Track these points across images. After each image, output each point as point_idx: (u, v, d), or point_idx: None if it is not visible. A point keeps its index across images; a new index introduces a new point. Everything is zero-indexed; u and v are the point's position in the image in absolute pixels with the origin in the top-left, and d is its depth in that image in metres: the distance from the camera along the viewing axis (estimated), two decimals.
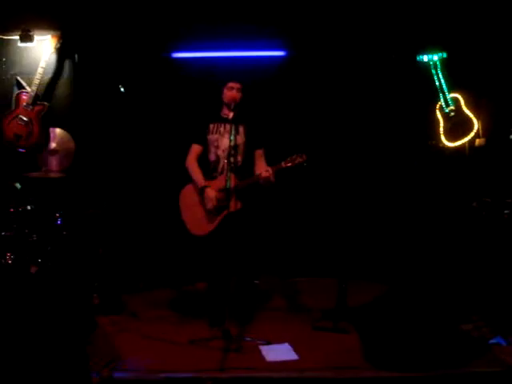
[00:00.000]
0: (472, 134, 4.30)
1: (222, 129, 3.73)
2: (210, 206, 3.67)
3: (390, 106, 4.72)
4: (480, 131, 4.33)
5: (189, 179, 3.83)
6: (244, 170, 3.70)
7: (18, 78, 4.58)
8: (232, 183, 3.53)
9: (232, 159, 3.54)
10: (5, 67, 4.65)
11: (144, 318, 3.92)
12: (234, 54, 4.63)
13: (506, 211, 3.88)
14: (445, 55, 4.38)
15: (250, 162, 3.76)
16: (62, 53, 4.65)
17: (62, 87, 4.71)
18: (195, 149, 3.83)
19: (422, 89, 4.54)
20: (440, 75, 4.38)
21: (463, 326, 3.50)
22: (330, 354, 3.25)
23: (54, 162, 4.45)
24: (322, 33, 4.65)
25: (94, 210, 4.31)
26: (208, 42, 4.63)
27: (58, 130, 4.50)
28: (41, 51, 4.50)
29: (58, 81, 4.69)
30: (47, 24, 4.58)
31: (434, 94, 4.41)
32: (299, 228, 4.86)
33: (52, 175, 4.36)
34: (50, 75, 4.64)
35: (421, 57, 4.44)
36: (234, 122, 3.59)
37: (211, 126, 3.77)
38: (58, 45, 4.54)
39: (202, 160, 3.81)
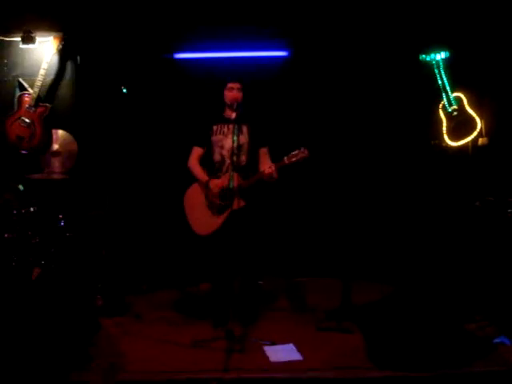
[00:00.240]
0: (475, 134, 4.28)
1: (225, 129, 3.73)
2: (213, 198, 3.66)
3: (393, 105, 4.72)
4: (483, 130, 4.31)
5: (191, 180, 3.83)
6: (248, 169, 3.70)
7: (20, 79, 4.59)
8: (236, 182, 3.53)
9: (235, 158, 3.54)
10: (7, 69, 4.66)
11: (148, 319, 3.92)
12: (236, 54, 4.63)
13: (509, 210, 3.87)
14: (448, 54, 4.37)
15: (254, 161, 3.76)
16: (64, 54, 4.66)
17: (65, 88, 4.72)
18: (196, 151, 3.84)
19: (424, 88, 4.53)
20: (443, 74, 4.37)
21: (467, 325, 3.49)
22: (334, 354, 3.24)
23: (56, 164, 4.45)
24: (325, 32, 4.65)
25: (97, 212, 4.32)
26: (210, 42, 4.64)
27: (60, 132, 4.50)
28: (43, 53, 4.51)
29: (60, 82, 4.70)
30: (49, 25, 4.59)
31: (436, 93, 4.40)
32: (303, 228, 4.86)
33: (55, 177, 4.37)
34: (52, 77, 4.65)
35: (424, 56, 4.43)
36: (237, 122, 3.59)
37: (215, 127, 3.77)
38: (60, 46, 4.54)
39: (207, 161, 3.81)
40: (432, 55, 4.41)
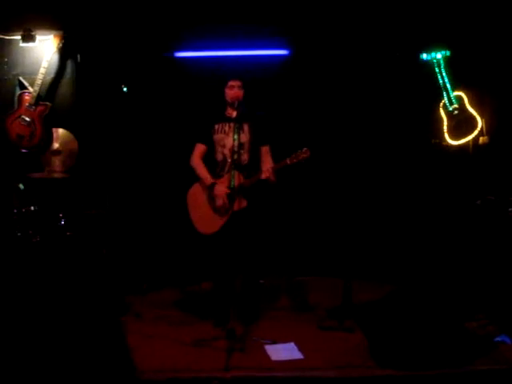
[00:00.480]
0: (476, 132, 4.28)
1: (226, 128, 3.72)
2: (219, 203, 3.65)
3: (394, 104, 4.72)
4: (484, 129, 4.32)
5: (193, 179, 3.82)
6: (251, 167, 3.69)
7: (21, 78, 4.58)
8: (237, 182, 3.53)
9: (236, 156, 3.54)
10: (7, 67, 4.64)
11: (148, 318, 3.91)
12: (237, 53, 4.62)
13: (510, 209, 3.88)
14: (448, 53, 4.37)
15: (256, 159, 3.75)
16: (64, 52, 4.64)
17: (65, 87, 4.71)
18: (199, 148, 3.82)
19: (425, 87, 4.53)
20: (444, 73, 4.37)
21: (468, 324, 3.50)
22: (335, 353, 3.25)
23: (57, 163, 4.45)
24: (325, 31, 4.64)
25: (98, 211, 4.31)
26: (211, 41, 4.63)
27: (60, 130, 4.49)
28: (43, 51, 4.50)
29: (60, 81, 4.69)
30: (49, 24, 4.57)
31: (437, 92, 4.40)
32: (304, 227, 4.85)
33: (55, 176, 4.36)
34: (52, 75, 4.64)
35: (424, 55, 4.43)
36: (238, 120, 3.58)
37: (216, 126, 3.76)
38: (61, 44, 4.53)
39: (209, 160, 3.81)
40: (433, 54, 4.40)
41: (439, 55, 4.39)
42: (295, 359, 3.19)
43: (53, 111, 4.52)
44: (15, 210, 3.96)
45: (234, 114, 3.65)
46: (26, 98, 4.46)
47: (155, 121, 4.75)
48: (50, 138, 4.46)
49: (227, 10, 4.54)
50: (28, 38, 4.50)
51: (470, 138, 4.32)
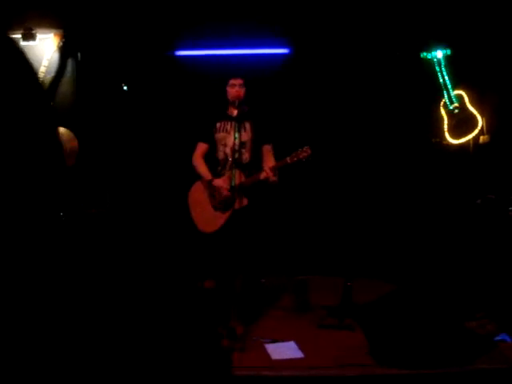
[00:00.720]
0: (476, 131, 4.28)
1: (228, 127, 3.71)
2: (224, 194, 3.62)
3: (394, 102, 4.71)
4: (484, 128, 4.31)
5: (194, 177, 3.82)
6: (252, 166, 3.68)
7: None
8: (238, 180, 3.53)
9: (237, 156, 3.54)
10: None
11: None
12: (237, 51, 4.62)
13: (510, 208, 3.87)
14: (449, 52, 4.37)
15: (258, 158, 3.74)
16: (64, 51, 4.64)
17: (65, 86, 4.70)
18: (201, 147, 3.81)
19: (426, 86, 4.52)
20: (444, 72, 4.37)
21: (468, 323, 3.50)
22: (335, 351, 3.25)
23: None
24: (326, 30, 4.63)
25: (98, 210, 4.31)
26: (211, 39, 4.62)
27: (61, 129, 4.48)
28: (43, 50, 4.49)
29: (60, 79, 4.68)
30: (50, 22, 4.56)
31: (438, 91, 4.39)
32: (305, 226, 4.85)
33: None
34: (52, 74, 4.63)
35: (425, 54, 4.43)
36: (239, 119, 3.57)
37: (218, 124, 3.75)
38: (61, 43, 4.52)
39: (211, 159, 3.81)
40: (433, 53, 4.40)
41: (440, 54, 4.38)
42: (295, 358, 3.19)
43: (53, 110, 4.51)
44: None
45: (235, 112, 3.64)
46: None
47: (156, 120, 4.74)
48: None
49: (228, 8, 4.53)
50: (28, 36, 4.49)
51: (470, 136, 4.31)
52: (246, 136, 3.68)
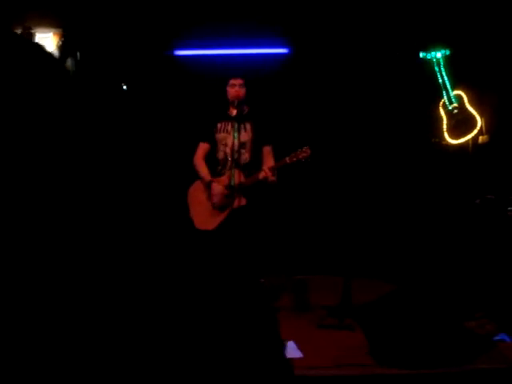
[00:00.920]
0: (475, 131, 4.28)
1: (229, 127, 3.71)
2: (216, 199, 3.66)
3: (394, 103, 4.72)
4: (483, 128, 4.32)
5: (194, 177, 3.83)
6: (252, 167, 3.69)
7: None
8: (237, 180, 3.53)
9: (237, 156, 3.54)
10: None
11: None
12: (237, 51, 4.62)
13: (509, 208, 3.88)
14: (448, 52, 4.37)
15: (258, 159, 3.75)
16: (63, 50, 4.62)
17: None
18: (203, 147, 3.82)
19: (425, 86, 4.53)
20: (443, 72, 4.37)
21: (467, 323, 3.50)
22: (334, 351, 3.24)
23: None
24: (325, 30, 4.64)
25: None
26: (211, 39, 4.63)
27: None
28: None
29: None
30: (49, 22, 4.56)
31: (437, 91, 4.39)
32: (304, 225, 4.86)
33: None
34: None
35: (424, 54, 4.43)
36: (239, 118, 3.58)
37: (219, 124, 3.75)
38: (60, 43, 4.52)
39: (211, 159, 3.81)
40: (432, 53, 4.40)
41: (439, 54, 4.39)
42: (295, 358, 3.18)
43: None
44: None
45: (235, 112, 3.65)
46: None
47: (155, 119, 4.74)
48: None
49: (227, 8, 4.53)
50: (27, 35, 4.49)
51: (469, 137, 4.32)
52: (246, 136, 3.68)
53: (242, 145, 3.63)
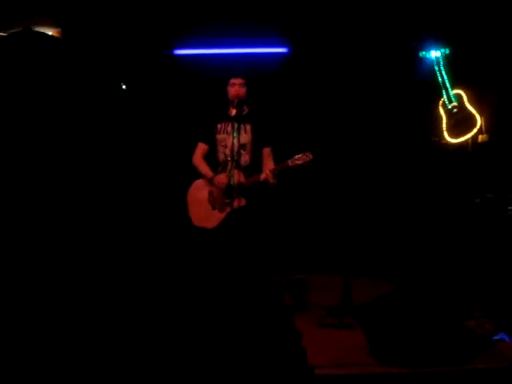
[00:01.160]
0: (475, 131, 4.28)
1: (229, 128, 3.71)
2: (218, 191, 3.66)
3: (393, 102, 4.72)
4: (483, 127, 4.32)
5: (193, 177, 3.83)
6: (252, 168, 3.69)
7: None
8: (237, 180, 3.54)
9: (236, 156, 3.54)
10: None
11: None
12: (236, 50, 4.62)
13: (509, 207, 3.89)
14: (447, 51, 4.38)
15: (258, 160, 3.75)
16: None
17: None
18: (202, 147, 3.82)
19: (424, 85, 4.53)
20: (443, 71, 4.37)
21: (467, 322, 3.51)
22: (335, 350, 3.25)
23: None
24: (325, 29, 4.64)
25: None
26: (210, 39, 4.62)
27: None
28: None
29: None
30: (48, 21, 4.56)
31: (436, 90, 4.40)
32: (304, 224, 4.86)
33: None
34: None
35: (423, 53, 4.43)
36: (239, 119, 3.58)
37: (219, 125, 3.75)
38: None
39: (211, 159, 3.81)
40: (432, 52, 4.41)
41: (438, 53, 4.39)
42: None
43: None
44: None
45: (234, 112, 3.65)
46: None
47: (155, 119, 4.74)
48: None
49: (226, 7, 4.53)
50: None
51: (469, 136, 4.32)
52: (246, 138, 3.68)
53: (241, 146, 3.63)
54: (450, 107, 4.37)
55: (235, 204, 3.53)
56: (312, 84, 4.77)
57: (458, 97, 4.35)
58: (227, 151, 3.70)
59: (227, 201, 3.62)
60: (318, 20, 4.63)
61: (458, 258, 4.06)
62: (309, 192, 4.83)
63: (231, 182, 3.52)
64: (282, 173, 3.63)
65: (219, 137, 3.74)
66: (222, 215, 3.67)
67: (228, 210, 3.60)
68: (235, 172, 3.55)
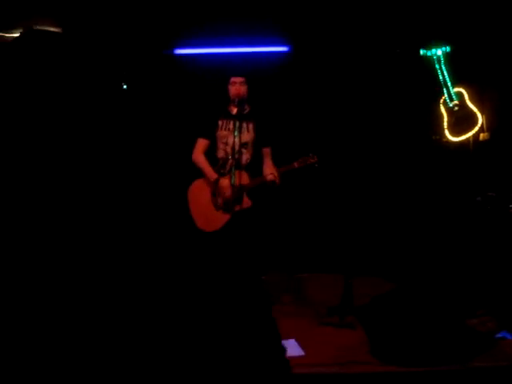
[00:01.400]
0: (476, 129, 4.28)
1: (230, 126, 3.70)
2: (224, 197, 3.64)
3: (394, 100, 4.71)
4: (484, 125, 4.31)
5: (193, 175, 3.82)
6: (253, 167, 3.70)
7: None
8: (243, 181, 3.54)
9: (237, 155, 3.55)
10: None
11: None
12: (236, 50, 4.61)
13: (510, 205, 3.88)
14: (449, 49, 4.36)
15: (258, 159, 3.76)
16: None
17: None
18: (202, 143, 3.81)
19: (425, 83, 4.52)
20: (444, 69, 4.36)
21: (469, 321, 3.50)
22: (336, 349, 3.25)
23: None
24: (326, 28, 4.63)
25: None
26: (210, 38, 4.62)
27: None
28: None
29: None
30: (48, 21, 4.57)
31: (437, 88, 4.39)
32: (305, 223, 4.85)
33: None
34: None
35: (425, 51, 4.42)
36: (240, 117, 3.57)
37: (220, 122, 3.75)
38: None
39: (211, 157, 3.80)
40: (433, 50, 4.39)
41: (439, 51, 4.38)
42: (296, 356, 3.19)
43: None
44: None
45: (235, 110, 3.65)
46: None
47: (156, 118, 4.74)
48: None
49: (227, 6, 4.53)
50: None
51: (470, 134, 4.31)
52: (248, 136, 3.69)
53: (243, 145, 3.64)
54: (451, 105, 4.36)
55: (242, 205, 3.53)
56: (313, 83, 4.77)
57: (459, 95, 4.34)
58: (228, 149, 3.69)
59: (233, 202, 3.59)
60: (318, 19, 4.62)
61: (459, 256, 4.05)
62: (309, 191, 4.82)
63: (232, 181, 3.51)
64: (288, 174, 3.65)
65: (220, 134, 3.73)
66: (227, 216, 3.65)
67: (234, 210, 3.58)
68: (237, 172, 3.54)
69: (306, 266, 4.83)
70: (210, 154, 3.80)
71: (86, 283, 3.91)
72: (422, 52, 4.45)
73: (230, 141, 3.65)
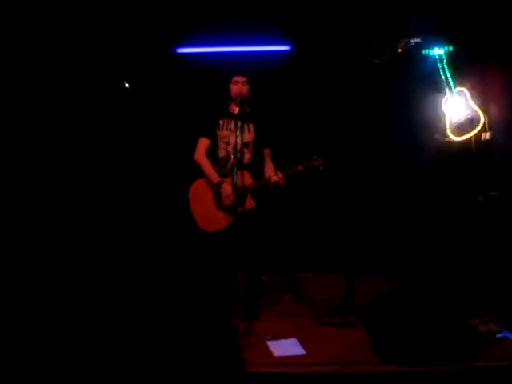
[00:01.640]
0: (478, 128, 4.27)
1: (232, 125, 3.69)
2: (227, 202, 3.63)
3: (396, 100, 4.70)
4: (486, 125, 4.30)
5: (195, 175, 3.82)
6: (253, 167, 3.70)
7: None
8: (246, 181, 3.53)
9: (239, 155, 3.55)
10: None
11: None
12: (238, 49, 4.61)
13: None
14: (451, 49, 4.36)
15: (258, 159, 3.76)
16: None
17: None
18: (204, 142, 3.79)
19: (427, 83, 4.51)
20: (446, 69, 4.36)
21: (470, 320, 3.50)
22: (337, 348, 3.25)
23: None
24: (328, 27, 4.63)
25: None
26: (212, 37, 4.62)
27: None
28: None
29: None
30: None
31: (439, 87, 4.38)
32: (307, 222, 4.85)
33: None
34: None
35: (427, 50, 4.42)
36: (242, 117, 3.57)
37: (221, 121, 3.74)
38: None
39: (211, 156, 3.80)
40: (435, 50, 4.39)
41: (441, 51, 4.37)
42: (297, 355, 3.20)
43: None
44: None
45: (237, 110, 3.64)
46: None
47: (158, 117, 4.75)
48: None
49: (229, 5, 4.53)
50: None
51: (472, 134, 4.31)
52: (250, 136, 3.69)
53: (245, 144, 3.64)
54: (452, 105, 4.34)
55: (245, 206, 3.53)
56: (315, 82, 4.76)
57: (462, 94, 4.33)
58: (230, 148, 3.68)
59: (236, 203, 3.59)
60: (320, 18, 4.62)
61: (461, 255, 4.05)
62: (310, 191, 4.82)
63: (234, 181, 3.51)
64: (292, 176, 3.66)
65: (221, 133, 3.73)
66: (229, 218, 3.64)
67: (237, 211, 3.58)
68: (239, 172, 3.54)
69: (307, 266, 4.84)
70: (211, 153, 3.79)
71: (85, 283, 3.92)
72: (424, 51, 4.44)
73: (232, 140, 3.64)
